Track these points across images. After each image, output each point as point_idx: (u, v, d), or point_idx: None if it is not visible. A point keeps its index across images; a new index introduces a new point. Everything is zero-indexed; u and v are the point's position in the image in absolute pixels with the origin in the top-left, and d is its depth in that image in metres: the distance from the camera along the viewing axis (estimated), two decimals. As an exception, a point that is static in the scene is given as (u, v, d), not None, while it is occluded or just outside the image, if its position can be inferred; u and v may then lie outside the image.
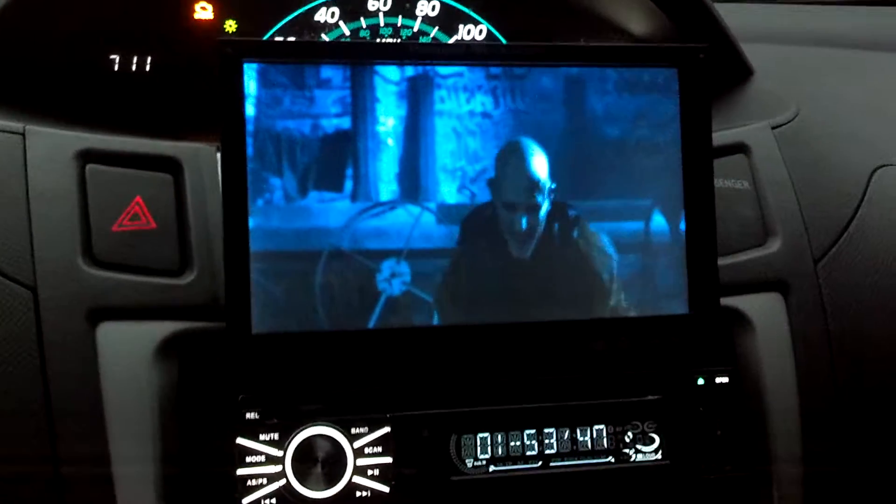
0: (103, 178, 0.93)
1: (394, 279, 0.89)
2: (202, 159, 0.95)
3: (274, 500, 0.87)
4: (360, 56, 0.92)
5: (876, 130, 1.25)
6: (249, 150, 0.87)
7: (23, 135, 0.95)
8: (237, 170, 0.86)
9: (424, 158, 0.91)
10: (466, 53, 0.96)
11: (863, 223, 1.12)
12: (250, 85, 0.87)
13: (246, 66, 0.86)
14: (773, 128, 1.14)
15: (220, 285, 0.91)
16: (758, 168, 1.10)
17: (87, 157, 0.94)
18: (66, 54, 1.15)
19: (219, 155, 0.95)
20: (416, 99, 0.92)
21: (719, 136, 1.08)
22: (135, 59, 1.18)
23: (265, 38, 1.21)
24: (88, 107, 1.12)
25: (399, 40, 1.25)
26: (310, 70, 0.89)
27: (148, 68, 1.18)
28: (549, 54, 0.96)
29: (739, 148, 1.09)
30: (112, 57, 1.17)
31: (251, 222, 0.87)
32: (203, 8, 1.19)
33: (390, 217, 0.90)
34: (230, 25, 1.20)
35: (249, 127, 0.87)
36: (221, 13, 1.20)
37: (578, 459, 0.93)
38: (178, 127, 1.08)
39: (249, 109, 0.87)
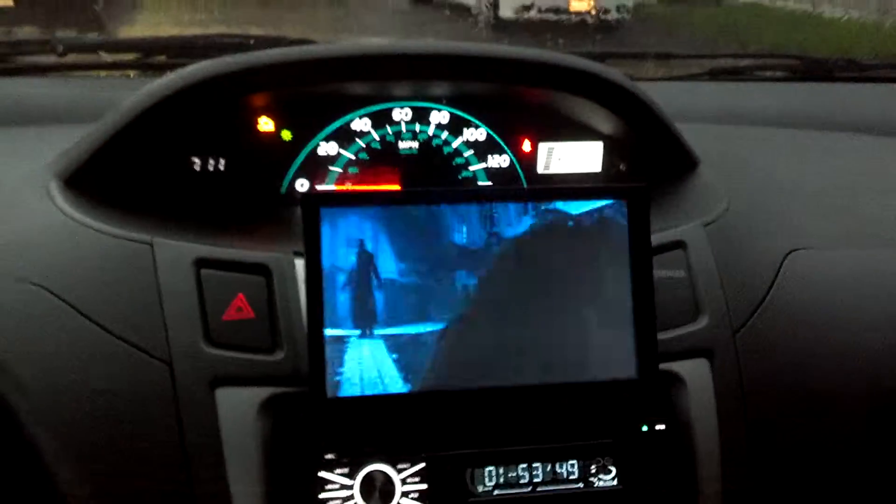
0: (214, 280, 1.12)
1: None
2: (285, 265, 1.13)
3: None
4: (387, 201, 1.11)
5: (793, 213, 1.38)
6: (326, 268, 1.07)
7: (150, 245, 1.13)
8: (315, 281, 1.06)
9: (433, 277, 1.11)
10: (476, 196, 1.13)
11: (774, 300, 1.25)
12: (326, 220, 1.07)
13: (322, 209, 1.07)
14: (705, 225, 1.28)
15: (303, 361, 1.08)
16: (691, 260, 1.24)
17: (201, 263, 1.12)
18: (160, 161, 1.30)
19: (296, 261, 1.13)
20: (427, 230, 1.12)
21: (662, 236, 1.24)
22: (211, 162, 1.36)
23: (312, 143, 1.37)
24: (179, 202, 1.28)
25: (418, 143, 1.39)
26: (365, 210, 1.09)
27: (222, 169, 1.36)
28: (532, 195, 1.14)
29: (678, 245, 1.24)
30: (193, 160, 1.35)
31: (326, 317, 1.06)
32: (265, 122, 1.36)
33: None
34: (286, 134, 1.37)
35: (325, 251, 1.07)
36: (279, 125, 1.36)
37: (558, 485, 1.13)
38: (253, 218, 1.30)
39: (324, 242, 1.07)
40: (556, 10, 10.25)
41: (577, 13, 10.36)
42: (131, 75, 1.75)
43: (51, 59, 1.71)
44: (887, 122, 1.74)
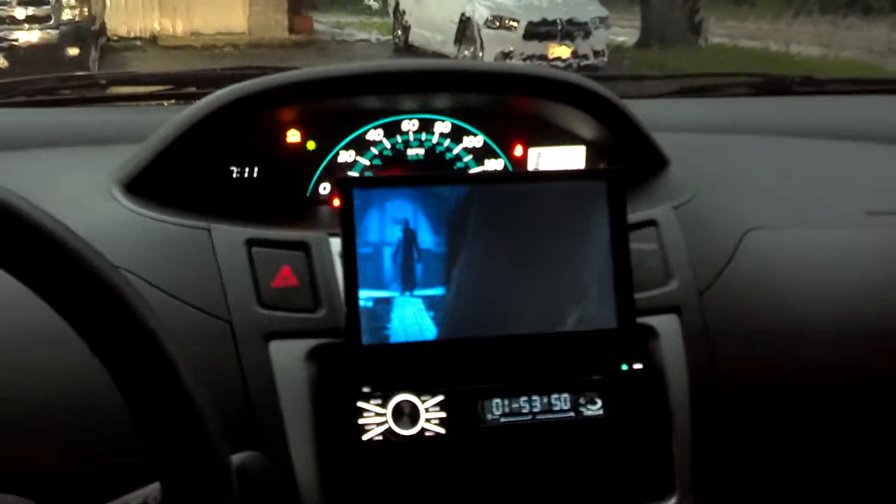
0: (263, 255, 1.29)
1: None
2: (322, 242, 1.30)
3: (381, 437, 1.24)
4: (410, 183, 1.29)
5: (752, 201, 1.56)
6: (358, 240, 1.25)
7: (208, 230, 1.30)
8: (350, 250, 1.24)
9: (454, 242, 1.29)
10: (482, 178, 1.35)
11: (734, 269, 1.43)
12: (357, 200, 1.26)
13: (354, 189, 1.25)
14: (675, 208, 1.45)
15: (340, 317, 1.25)
16: (662, 235, 1.41)
17: (251, 242, 1.29)
18: (203, 169, 1.44)
19: (330, 239, 1.30)
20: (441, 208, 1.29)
21: (638, 215, 1.40)
22: (247, 169, 1.49)
23: (333, 152, 1.50)
24: (222, 202, 1.40)
25: (424, 150, 1.53)
26: (387, 191, 1.28)
27: (256, 175, 1.49)
28: (536, 177, 1.38)
29: (651, 223, 1.42)
30: (231, 168, 1.49)
31: (359, 280, 1.25)
32: (293, 134, 1.50)
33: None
34: (311, 144, 1.50)
35: (358, 225, 1.25)
36: (304, 136, 1.50)
37: (553, 414, 1.29)
38: (284, 216, 1.41)
39: (356, 217, 1.25)
40: (536, 58, 10.46)
41: (557, 59, 10.59)
42: (165, 104, 1.90)
43: (95, 92, 1.89)
44: (839, 129, 1.91)
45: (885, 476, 1.55)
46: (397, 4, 13.42)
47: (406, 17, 13.07)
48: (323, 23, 15.27)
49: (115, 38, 12.06)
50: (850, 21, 10.69)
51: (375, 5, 16.04)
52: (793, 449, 1.46)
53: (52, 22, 9.93)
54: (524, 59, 10.83)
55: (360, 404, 1.25)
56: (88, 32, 10.40)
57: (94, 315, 0.75)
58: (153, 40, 12.78)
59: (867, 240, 1.56)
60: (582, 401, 1.31)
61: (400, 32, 13.15)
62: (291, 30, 13.94)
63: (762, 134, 1.87)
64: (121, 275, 0.76)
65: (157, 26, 13.22)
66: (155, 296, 1.23)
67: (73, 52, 9.81)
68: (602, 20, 11.52)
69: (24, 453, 1.18)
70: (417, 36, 12.67)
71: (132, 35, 12.67)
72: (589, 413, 1.32)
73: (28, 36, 9.87)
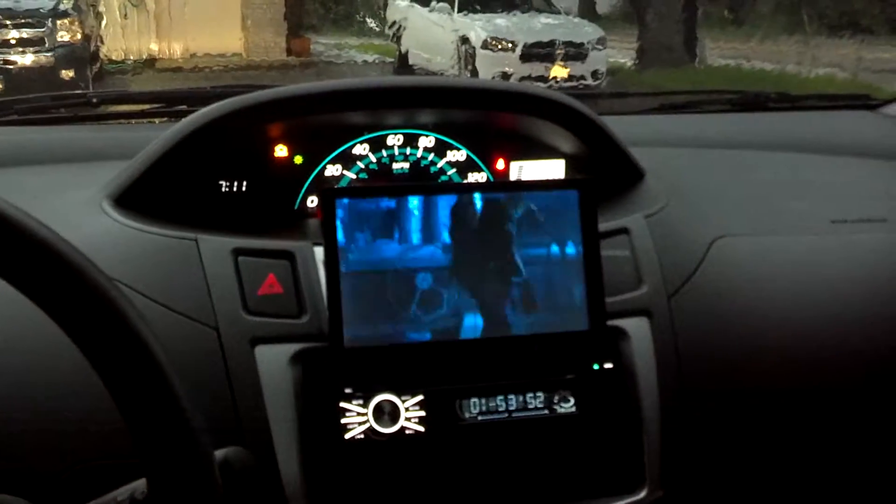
0: (249, 264, 1.32)
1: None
2: (306, 251, 1.34)
3: (362, 435, 1.27)
4: (392, 193, 1.32)
5: (721, 211, 1.61)
6: (340, 248, 1.28)
7: (195, 240, 1.33)
8: (333, 257, 1.28)
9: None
10: (460, 188, 1.37)
11: (702, 274, 1.48)
12: (339, 209, 1.29)
13: (336, 199, 1.29)
14: (646, 217, 1.49)
15: (323, 322, 1.28)
16: (634, 242, 1.45)
17: (237, 252, 1.32)
18: (193, 183, 1.47)
19: (314, 248, 1.34)
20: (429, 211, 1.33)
21: (610, 224, 1.44)
22: (235, 184, 1.52)
23: (320, 166, 1.53)
24: (211, 216, 1.42)
25: (409, 164, 1.57)
26: (369, 201, 1.31)
27: (244, 189, 1.52)
28: (511, 186, 1.43)
29: (623, 230, 1.46)
30: (220, 182, 1.51)
31: (341, 286, 1.27)
32: (281, 149, 1.53)
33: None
34: (298, 159, 1.53)
35: (339, 235, 1.28)
36: (292, 151, 1.53)
37: (528, 412, 1.34)
38: (273, 228, 1.43)
39: (339, 224, 1.29)
40: (533, 79, 10.48)
41: (554, 80, 10.63)
42: (157, 122, 1.94)
43: (87, 111, 1.92)
44: (810, 142, 1.96)
45: (845, 468, 1.61)
46: (397, 24, 13.44)
47: (404, 39, 13.11)
48: (322, 44, 15.27)
49: (111, 60, 12.08)
50: (845, 41, 10.77)
51: (375, 27, 16.04)
52: (755, 443, 1.51)
53: (46, 45, 9.98)
54: (521, 79, 10.85)
55: (343, 404, 1.29)
56: (83, 55, 10.46)
57: (83, 317, 0.79)
58: (149, 63, 12.79)
59: (830, 246, 1.61)
60: (556, 399, 1.36)
61: (399, 53, 13.17)
62: (289, 52, 13.95)
63: (736, 148, 1.91)
64: (107, 277, 0.81)
65: (153, 48, 13.23)
66: (144, 304, 1.26)
67: (68, 74, 9.89)
68: (600, 41, 11.57)
69: (18, 454, 1.20)
70: (416, 57, 12.70)
71: (128, 58, 12.68)
72: (562, 410, 1.36)
73: (23, 59, 9.96)
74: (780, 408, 1.51)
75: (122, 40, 12.84)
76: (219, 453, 0.92)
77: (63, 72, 9.92)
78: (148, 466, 0.83)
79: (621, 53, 12.67)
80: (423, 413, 1.31)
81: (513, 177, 1.61)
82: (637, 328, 1.41)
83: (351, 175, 1.56)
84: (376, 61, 13.78)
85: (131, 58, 12.72)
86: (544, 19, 12.28)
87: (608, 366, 1.38)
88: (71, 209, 1.40)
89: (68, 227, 1.31)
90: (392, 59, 13.36)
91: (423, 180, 1.58)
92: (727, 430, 1.48)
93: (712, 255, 1.51)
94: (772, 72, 10.52)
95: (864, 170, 1.88)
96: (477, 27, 11.58)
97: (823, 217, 1.65)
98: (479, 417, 1.33)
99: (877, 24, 11.48)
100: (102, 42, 11.94)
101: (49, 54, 10.03)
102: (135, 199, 1.41)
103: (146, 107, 1.98)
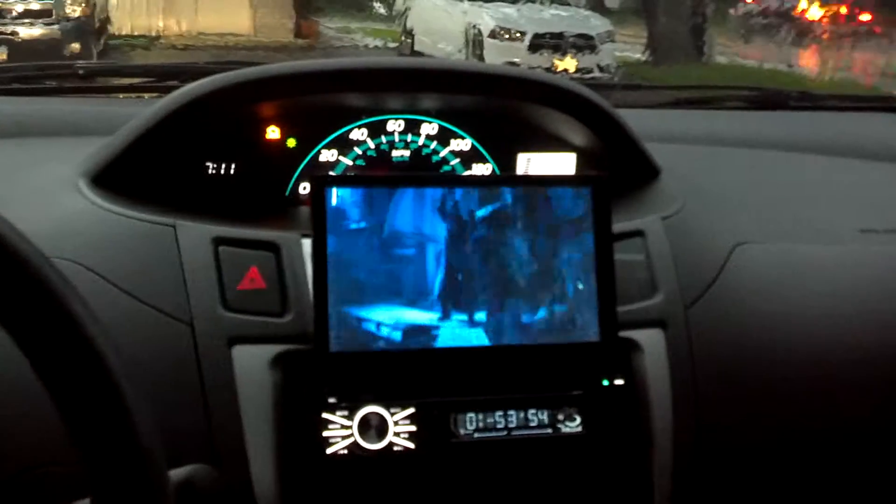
0: (230, 255, 1.25)
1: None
2: (293, 243, 1.26)
3: (346, 451, 1.19)
4: (383, 184, 1.25)
5: (743, 214, 1.54)
6: (330, 242, 1.20)
7: (174, 226, 1.26)
8: (321, 251, 1.19)
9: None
10: (462, 181, 1.30)
11: (722, 283, 1.40)
12: (329, 199, 1.21)
13: (328, 188, 1.21)
14: (663, 218, 1.42)
15: (308, 323, 1.20)
16: (649, 246, 1.38)
17: (218, 241, 1.25)
18: (178, 164, 1.41)
19: (302, 240, 1.26)
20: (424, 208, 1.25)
21: (625, 225, 1.37)
22: (223, 166, 1.45)
23: (314, 151, 1.47)
24: (195, 199, 1.36)
25: (409, 152, 1.50)
26: (363, 191, 1.23)
27: (233, 172, 1.45)
28: (518, 181, 1.35)
29: (638, 233, 1.39)
30: (207, 164, 1.44)
31: (329, 284, 1.19)
32: (273, 131, 1.46)
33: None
34: (291, 142, 1.47)
35: (330, 226, 1.20)
36: (285, 134, 1.46)
37: (529, 430, 1.25)
38: (261, 215, 1.38)
39: (330, 216, 1.21)
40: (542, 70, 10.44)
41: (563, 72, 10.60)
42: (146, 97, 1.87)
43: (74, 83, 1.84)
44: (835, 145, 1.89)
45: (873, 498, 1.53)
46: (405, 10, 13.44)
47: (412, 25, 13.11)
48: (330, 28, 15.33)
49: (119, 35, 12.06)
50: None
51: (383, 12, 16.14)
52: (776, 470, 1.43)
53: (52, 17, 9.94)
54: (528, 72, 10.79)
55: (325, 415, 1.21)
56: (90, 29, 10.44)
57: (23, 312, 0.71)
58: (157, 39, 12.78)
59: (860, 258, 1.54)
60: (560, 417, 1.27)
61: (406, 39, 13.17)
62: (297, 34, 13.98)
63: (757, 148, 1.85)
64: (55, 269, 0.72)
65: (161, 25, 13.23)
66: (112, 294, 1.20)
67: (75, 47, 9.85)
68: (609, 35, 11.57)
69: None
70: (423, 44, 12.70)
71: (136, 33, 12.66)
72: (567, 430, 1.28)
73: (29, 31, 9.91)
74: (804, 431, 1.43)
75: (130, 16, 12.78)
76: (180, 472, 0.82)
77: (69, 45, 9.85)
78: (92, 487, 0.75)
79: (630, 48, 12.64)
80: (413, 428, 1.22)
81: (520, 170, 1.55)
82: (651, 341, 1.34)
83: (347, 161, 1.50)
84: (386, 46, 13.76)
85: (140, 34, 12.67)
86: (554, 10, 12.28)
87: (619, 382, 1.30)
88: (46, 186, 1.35)
89: (40, 205, 1.28)
90: (398, 45, 13.31)
91: (423, 170, 1.52)
92: (745, 455, 1.41)
93: (733, 263, 1.44)
94: (789, 73, 10.49)
95: (893, 176, 1.82)
96: (486, 16, 11.56)
97: (852, 226, 1.58)
98: (476, 435, 1.25)
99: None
100: (110, 17, 11.86)
101: (55, 27, 9.97)
102: (113, 178, 1.35)
103: (136, 81, 1.92)
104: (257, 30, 13.83)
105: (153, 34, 12.99)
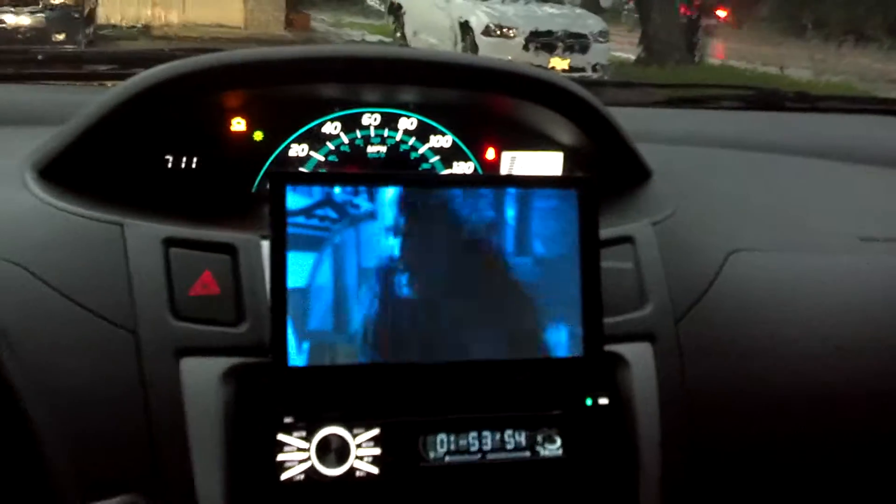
0: (181, 258, 1.17)
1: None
2: (251, 246, 1.19)
3: (303, 476, 1.11)
4: (350, 182, 1.17)
5: (737, 221, 1.48)
6: (290, 245, 1.12)
7: (121, 225, 1.19)
8: (280, 255, 1.12)
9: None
10: (442, 181, 1.23)
11: (715, 294, 1.34)
12: (289, 199, 1.13)
13: (288, 186, 1.13)
14: (653, 224, 1.36)
15: (265, 333, 1.13)
16: (639, 254, 1.32)
17: (169, 242, 1.18)
18: (134, 157, 1.34)
19: (262, 242, 1.19)
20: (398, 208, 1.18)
21: (613, 231, 1.31)
22: (184, 160, 1.39)
23: (283, 145, 1.40)
24: (152, 196, 1.30)
25: (386, 148, 1.44)
26: (330, 190, 1.15)
27: (194, 166, 1.39)
28: (497, 181, 1.27)
29: (627, 239, 1.33)
30: (167, 157, 1.38)
31: (289, 292, 1.12)
32: (238, 122, 1.39)
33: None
34: (258, 135, 1.40)
35: (291, 228, 1.12)
36: (251, 126, 1.40)
37: (506, 453, 1.18)
38: (223, 213, 1.30)
39: (291, 217, 1.13)
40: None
41: (555, 70, 10.58)
42: (109, 85, 1.76)
43: (31, 68, 1.77)
44: (832, 148, 1.83)
45: None
46: (397, 5, 13.43)
47: (405, 19, 13.10)
48: (322, 21, 15.36)
49: (106, 25, 11.99)
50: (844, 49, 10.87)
51: (375, 5, 16.20)
52: (772, 496, 1.39)
53: (38, 5, 9.85)
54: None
55: (281, 437, 1.13)
56: (76, 18, 10.35)
57: None
58: (146, 30, 12.73)
59: (861, 267, 1.48)
60: (539, 438, 1.20)
61: (399, 34, 13.16)
62: (289, 26, 13.99)
63: (752, 150, 1.79)
64: None
65: (151, 16, 13.19)
66: (50, 298, 1.13)
67: (60, 36, 9.81)
68: (601, 34, 11.60)
69: None
70: (415, 39, 12.69)
71: (124, 23, 12.60)
72: (546, 453, 1.21)
73: (13, 18, 9.83)
74: (801, 451, 1.38)
75: (120, 6, 12.72)
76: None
77: (54, 34, 9.79)
78: None
79: (623, 48, 12.70)
80: (377, 451, 1.15)
81: (504, 169, 1.49)
82: (638, 355, 1.27)
83: (318, 157, 1.43)
84: (377, 41, 13.78)
85: (129, 24, 12.62)
86: (547, 8, 12.34)
87: (603, 401, 1.23)
88: None
89: None
90: (390, 40, 13.29)
91: (401, 167, 1.46)
92: (738, 479, 1.35)
93: (727, 272, 1.38)
94: (778, 75, 10.53)
95: (893, 182, 1.76)
96: (478, 12, 11.57)
97: (851, 233, 1.53)
98: (447, 458, 1.17)
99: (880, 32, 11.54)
100: (98, 7, 11.80)
101: (41, 15, 9.92)
102: (63, 172, 1.27)
103: (99, 68, 1.84)
104: (248, 22, 13.86)
105: (143, 25, 12.94)
